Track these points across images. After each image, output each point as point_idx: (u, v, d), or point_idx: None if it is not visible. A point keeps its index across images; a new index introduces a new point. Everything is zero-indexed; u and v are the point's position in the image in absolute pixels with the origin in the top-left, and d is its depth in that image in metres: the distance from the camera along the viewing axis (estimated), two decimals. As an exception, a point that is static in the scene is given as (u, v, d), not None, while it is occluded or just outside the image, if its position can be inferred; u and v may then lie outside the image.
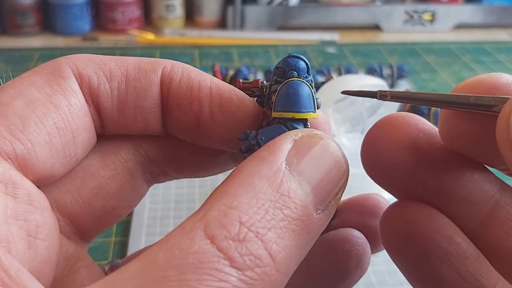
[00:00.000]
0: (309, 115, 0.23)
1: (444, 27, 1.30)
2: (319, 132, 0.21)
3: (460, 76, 1.05)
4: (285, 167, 0.19)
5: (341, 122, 0.59)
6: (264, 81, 0.25)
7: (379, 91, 0.23)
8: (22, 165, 0.20)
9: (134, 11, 1.22)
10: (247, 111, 0.24)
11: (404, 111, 0.74)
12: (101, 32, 1.21)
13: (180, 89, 0.24)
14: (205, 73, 0.25)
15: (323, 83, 0.72)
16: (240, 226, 0.17)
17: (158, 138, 0.26)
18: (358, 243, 0.26)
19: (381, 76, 0.92)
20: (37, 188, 0.21)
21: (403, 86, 0.95)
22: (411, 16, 1.28)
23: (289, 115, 0.22)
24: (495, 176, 0.23)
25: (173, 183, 0.66)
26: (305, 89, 0.23)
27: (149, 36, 1.17)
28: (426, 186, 0.22)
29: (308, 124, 0.23)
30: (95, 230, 0.25)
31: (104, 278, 0.17)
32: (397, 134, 0.22)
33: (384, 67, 0.95)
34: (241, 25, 1.23)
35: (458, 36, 1.28)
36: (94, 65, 0.24)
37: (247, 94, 0.25)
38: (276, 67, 0.24)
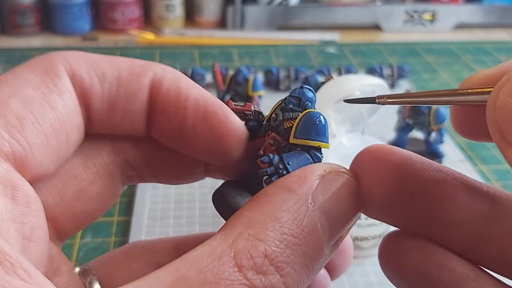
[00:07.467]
0: (327, 146, 0.24)
1: (444, 27, 1.30)
2: (345, 170, 0.22)
3: (460, 76, 1.05)
4: (310, 202, 0.20)
5: (341, 122, 0.59)
6: (256, 106, 0.26)
7: (377, 96, 0.24)
8: (20, 166, 0.20)
9: (134, 11, 1.22)
10: (230, 127, 0.25)
11: (404, 110, 0.74)
12: (101, 32, 1.21)
13: (168, 97, 0.24)
14: (195, 83, 0.25)
15: (323, 83, 0.72)
16: (265, 259, 0.19)
17: (139, 141, 0.26)
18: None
19: (381, 76, 0.92)
20: (34, 191, 0.21)
21: (403, 86, 0.95)
22: (411, 16, 1.28)
23: (315, 143, 0.24)
24: (485, 189, 0.22)
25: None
26: (326, 121, 0.24)
27: (149, 36, 1.17)
28: (411, 215, 0.23)
29: (322, 153, 0.25)
30: (72, 231, 0.25)
31: (133, 284, 0.17)
32: (374, 169, 0.23)
33: (384, 67, 0.95)
34: (241, 25, 1.23)
35: (458, 36, 1.28)
36: (87, 64, 0.23)
37: (238, 117, 0.25)
38: (291, 96, 0.25)
